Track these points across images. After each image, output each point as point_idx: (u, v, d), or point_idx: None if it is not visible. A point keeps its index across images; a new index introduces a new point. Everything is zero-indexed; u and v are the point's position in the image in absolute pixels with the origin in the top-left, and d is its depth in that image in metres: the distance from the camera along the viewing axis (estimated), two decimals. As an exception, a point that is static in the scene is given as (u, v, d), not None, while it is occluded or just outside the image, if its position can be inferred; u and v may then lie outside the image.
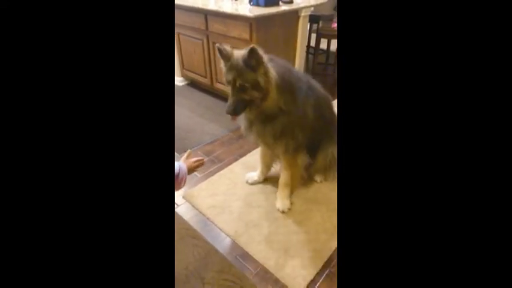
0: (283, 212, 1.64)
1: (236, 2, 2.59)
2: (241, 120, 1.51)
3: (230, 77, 1.26)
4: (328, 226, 1.57)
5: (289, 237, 1.51)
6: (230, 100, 1.30)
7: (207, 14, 2.46)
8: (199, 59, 2.77)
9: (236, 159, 2.08)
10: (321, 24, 3.23)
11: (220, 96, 2.89)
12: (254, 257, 1.41)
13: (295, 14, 2.51)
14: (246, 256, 1.42)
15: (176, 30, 2.81)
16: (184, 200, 1.74)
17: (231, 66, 1.25)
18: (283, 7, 2.38)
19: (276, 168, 1.85)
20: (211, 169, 1.99)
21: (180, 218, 1.61)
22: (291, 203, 1.68)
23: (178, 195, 1.76)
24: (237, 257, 1.42)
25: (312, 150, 1.65)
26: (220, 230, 1.56)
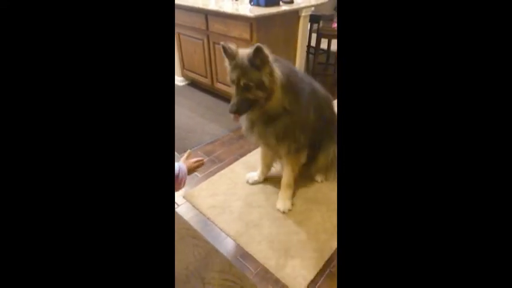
0: (283, 212, 1.64)
1: (236, 2, 2.59)
2: (243, 120, 1.50)
3: (234, 75, 1.25)
4: (328, 226, 1.56)
5: (289, 237, 1.51)
6: (234, 99, 1.29)
7: (207, 14, 2.46)
8: (200, 59, 2.78)
9: (236, 159, 2.08)
10: (321, 24, 3.22)
11: (221, 96, 2.89)
12: (254, 256, 1.41)
13: (295, 14, 2.51)
14: (246, 256, 1.42)
15: (176, 30, 2.81)
16: (185, 200, 1.74)
17: (236, 65, 1.24)
18: (284, 7, 2.37)
19: (277, 168, 1.85)
20: (212, 169, 1.99)
21: (181, 218, 1.61)
22: (292, 204, 1.68)
23: (179, 195, 1.76)
24: (238, 257, 1.42)
25: (313, 150, 1.65)
26: (221, 230, 1.56)
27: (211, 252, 1.42)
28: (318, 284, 1.31)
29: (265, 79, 1.24)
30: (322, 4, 2.76)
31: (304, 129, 1.46)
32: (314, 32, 3.41)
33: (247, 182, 1.86)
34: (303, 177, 1.80)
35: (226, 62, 1.30)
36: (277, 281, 1.31)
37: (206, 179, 1.90)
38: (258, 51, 1.17)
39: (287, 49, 2.60)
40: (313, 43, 3.48)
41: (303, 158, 1.61)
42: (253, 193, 1.79)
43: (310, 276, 1.33)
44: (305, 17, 2.58)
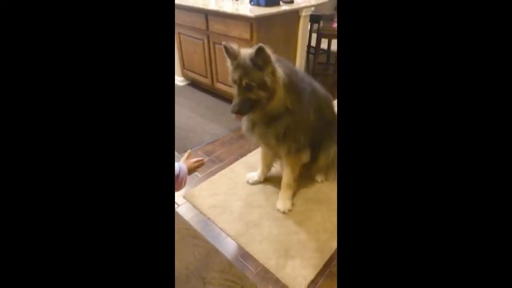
0: (284, 212, 1.64)
1: (237, 1, 2.59)
2: (243, 121, 1.50)
3: (236, 75, 1.25)
4: (328, 226, 1.56)
5: (289, 237, 1.51)
6: (236, 99, 1.28)
7: (207, 14, 2.46)
8: (200, 59, 2.78)
9: (237, 159, 2.08)
10: (321, 24, 3.22)
11: (221, 96, 2.89)
12: (255, 256, 1.41)
13: (295, 14, 2.51)
14: (246, 256, 1.42)
15: (177, 30, 2.81)
16: (185, 200, 1.74)
17: (238, 64, 1.24)
18: (284, 7, 2.37)
19: (277, 168, 1.85)
20: (212, 169, 1.99)
21: (181, 218, 1.61)
22: (292, 204, 1.68)
23: (179, 195, 1.76)
24: (238, 257, 1.42)
25: (314, 150, 1.64)
26: (221, 230, 1.56)
27: (211, 252, 1.42)
28: (318, 284, 1.31)
29: (268, 79, 1.23)
30: (322, 4, 2.76)
31: (304, 129, 1.46)
32: (314, 32, 3.41)
33: (248, 182, 1.86)
34: (304, 177, 1.80)
35: (228, 62, 1.30)
36: (277, 281, 1.31)
37: (206, 179, 1.90)
38: (260, 51, 1.17)
39: (287, 49, 2.59)
40: (313, 43, 3.48)
41: (303, 158, 1.61)
42: (253, 193, 1.79)
43: (311, 276, 1.33)
44: (305, 16, 2.58)
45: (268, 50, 1.19)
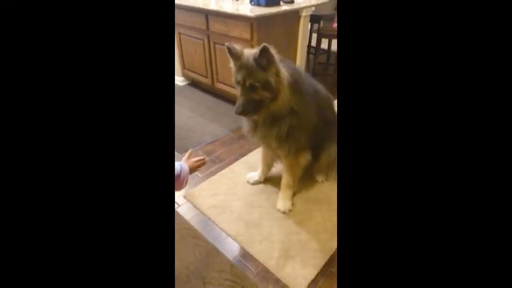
0: (284, 212, 1.64)
1: (237, 1, 2.59)
2: (245, 121, 1.50)
3: (240, 76, 1.24)
4: (328, 226, 1.56)
5: (290, 237, 1.51)
6: (239, 100, 1.27)
7: (207, 14, 2.46)
8: (200, 59, 2.78)
9: (237, 159, 2.08)
10: (321, 24, 3.22)
11: (221, 96, 2.90)
12: (255, 256, 1.42)
13: (296, 14, 2.51)
14: (246, 256, 1.42)
15: (177, 30, 2.81)
16: (185, 200, 1.74)
17: (241, 65, 1.23)
18: (284, 7, 2.37)
19: (277, 168, 1.85)
20: (212, 169, 1.99)
21: (181, 217, 1.62)
22: (292, 204, 1.68)
23: (179, 195, 1.77)
24: (238, 256, 1.42)
25: (315, 150, 1.64)
26: (221, 229, 1.56)
27: (211, 252, 1.42)
28: (318, 284, 1.31)
29: (272, 79, 1.23)
30: (322, 4, 2.76)
31: (306, 129, 1.46)
32: (314, 32, 3.41)
33: (248, 182, 1.86)
34: (304, 177, 1.80)
35: (231, 63, 1.29)
36: (277, 280, 1.31)
37: (207, 178, 1.90)
38: (264, 51, 1.16)
39: (287, 49, 2.59)
40: (313, 43, 3.48)
41: (302, 160, 1.59)
42: (253, 193, 1.79)
43: (311, 276, 1.33)
44: (305, 16, 2.58)
45: (273, 50, 1.18)
